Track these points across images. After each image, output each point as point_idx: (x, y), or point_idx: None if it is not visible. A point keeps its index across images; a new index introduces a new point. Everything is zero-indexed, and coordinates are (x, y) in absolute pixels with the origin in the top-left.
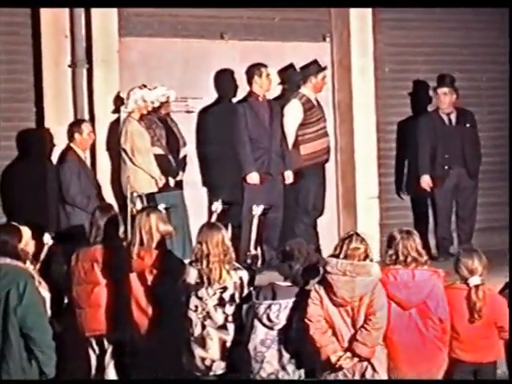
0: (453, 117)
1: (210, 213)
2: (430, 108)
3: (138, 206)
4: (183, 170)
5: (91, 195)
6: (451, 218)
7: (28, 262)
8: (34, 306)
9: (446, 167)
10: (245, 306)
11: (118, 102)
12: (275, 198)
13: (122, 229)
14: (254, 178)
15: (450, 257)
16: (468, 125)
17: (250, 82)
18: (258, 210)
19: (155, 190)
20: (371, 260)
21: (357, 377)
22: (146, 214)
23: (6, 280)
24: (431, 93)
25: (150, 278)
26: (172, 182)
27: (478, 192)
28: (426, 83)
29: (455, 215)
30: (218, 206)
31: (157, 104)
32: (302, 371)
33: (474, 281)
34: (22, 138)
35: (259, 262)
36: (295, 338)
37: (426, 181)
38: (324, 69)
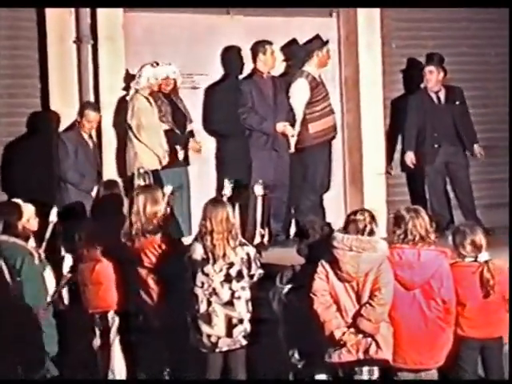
0: (441, 95)
1: (219, 190)
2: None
3: (142, 182)
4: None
5: (87, 174)
6: (447, 196)
7: (32, 240)
8: (30, 282)
9: (436, 146)
10: (270, 293)
11: (128, 78)
12: (281, 174)
13: (125, 207)
14: None
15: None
16: (457, 102)
17: (254, 60)
18: (259, 189)
19: (158, 167)
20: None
21: (360, 353)
22: (136, 195)
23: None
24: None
25: (145, 259)
26: (181, 155)
27: (469, 167)
28: (418, 61)
29: (452, 192)
30: (227, 188)
31: (170, 80)
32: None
33: (484, 256)
34: (28, 116)
35: (266, 239)
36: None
37: (409, 156)
38: (326, 43)
